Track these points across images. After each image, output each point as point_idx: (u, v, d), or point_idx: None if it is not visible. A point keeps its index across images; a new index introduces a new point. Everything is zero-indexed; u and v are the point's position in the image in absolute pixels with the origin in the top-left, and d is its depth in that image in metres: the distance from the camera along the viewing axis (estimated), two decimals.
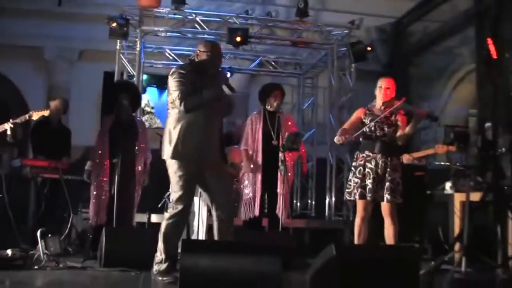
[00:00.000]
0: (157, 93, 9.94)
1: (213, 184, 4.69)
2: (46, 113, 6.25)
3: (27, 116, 6.06)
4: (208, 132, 4.63)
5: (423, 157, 6.99)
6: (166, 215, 4.60)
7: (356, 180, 5.32)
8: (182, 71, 4.63)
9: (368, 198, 5.24)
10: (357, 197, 5.29)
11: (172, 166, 4.59)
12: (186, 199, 4.59)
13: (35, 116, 6.13)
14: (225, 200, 4.76)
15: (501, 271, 4.83)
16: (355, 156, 5.46)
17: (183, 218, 4.67)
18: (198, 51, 4.81)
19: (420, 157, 6.91)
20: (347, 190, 5.43)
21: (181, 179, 4.54)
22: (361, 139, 5.47)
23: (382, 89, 5.41)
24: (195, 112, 4.56)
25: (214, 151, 4.68)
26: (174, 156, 4.55)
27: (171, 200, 4.69)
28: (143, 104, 9.16)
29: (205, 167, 4.63)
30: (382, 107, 5.34)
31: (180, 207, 4.54)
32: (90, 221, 6.27)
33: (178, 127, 4.58)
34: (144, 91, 9.48)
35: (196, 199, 6.19)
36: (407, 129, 5.27)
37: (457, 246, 5.09)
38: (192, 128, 4.57)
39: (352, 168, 5.46)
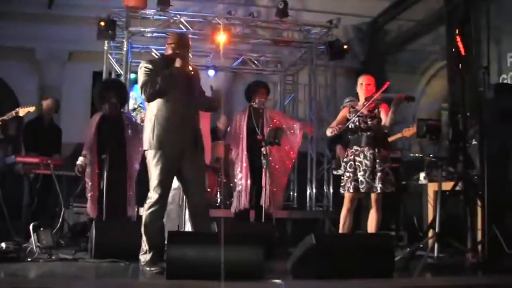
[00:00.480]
0: None
1: (188, 175, 4.68)
2: (31, 109, 6.30)
3: (13, 112, 6.12)
4: (182, 123, 4.63)
5: (393, 141, 7.00)
6: (145, 206, 4.59)
7: (348, 174, 5.45)
8: (147, 65, 4.67)
9: (362, 190, 5.37)
10: (351, 190, 5.40)
11: (149, 156, 4.61)
12: (162, 188, 4.53)
13: (21, 112, 6.20)
14: (199, 191, 4.74)
15: (470, 255, 5.02)
16: (346, 153, 5.60)
17: (160, 207, 4.59)
18: (166, 44, 4.89)
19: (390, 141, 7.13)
20: (341, 184, 5.54)
21: (156, 169, 4.54)
22: (349, 136, 5.64)
23: (363, 86, 5.56)
24: (168, 104, 4.60)
25: (189, 141, 4.65)
26: (149, 146, 4.59)
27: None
28: (131, 102, 9.26)
29: (180, 158, 4.62)
30: (365, 103, 5.46)
31: (156, 196, 4.52)
32: (88, 215, 6.33)
33: (153, 118, 4.62)
34: (131, 88, 9.66)
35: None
36: (389, 114, 5.36)
37: (430, 233, 5.25)
38: (166, 119, 4.59)
39: (343, 164, 5.58)
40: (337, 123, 5.63)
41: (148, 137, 4.62)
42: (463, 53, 5.30)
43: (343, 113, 5.68)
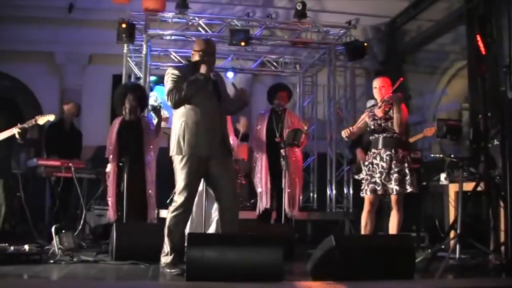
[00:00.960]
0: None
1: (217, 178, 4.73)
2: (51, 117, 6.34)
3: (33, 121, 6.19)
4: (209, 127, 4.67)
5: (415, 141, 7.07)
6: (170, 208, 4.67)
7: (367, 177, 5.49)
8: (174, 71, 4.74)
9: (379, 192, 5.39)
10: (368, 193, 5.43)
11: (176, 160, 4.69)
12: (188, 192, 4.59)
13: (41, 121, 6.26)
14: (228, 195, 4.74)
15: (493, 256, 4.95)
16: (367, 156, 5.62)
17: (185, 211, 4.65)
18: (193, 51, 4.92)
19: (411, 142, 7.08)
20: (361, 188, 5.57)
21: (183, 173, 4.61)
22: (370, 138, 5.65)
23: (377, 89, 5.57)
24: (196, 109, 4.66)
25: (216, 145, 4.68)
26: (176, 151, 4.66)
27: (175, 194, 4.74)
28: (152, 99, 9.35)
29: (208, 162, 4.67)
30: (381, 105, 5.49)
31: (181, 199, 4.59)
32: (109, 219, 6.41)
33: (180, 124, 4.68)
34: (151, 89, 9.72)
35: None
36: (394, 115, 5.37)
37: (452, 234, 5.17)
38: (193, 123, 4.65)
39: (364, 167, 5.67)
40: (356, 126, 5.67)
41: (176, 141, 4.68)
42: (484, 52, 5.24)
43: (363, 116, 5.69)
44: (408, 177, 5.35)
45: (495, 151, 5.64)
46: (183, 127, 4.67)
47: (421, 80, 9.96)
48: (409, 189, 5.34)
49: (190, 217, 6.39)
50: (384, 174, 5.36)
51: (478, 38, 5.33)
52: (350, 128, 5.51)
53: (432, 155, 7.56)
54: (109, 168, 6.46)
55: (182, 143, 4.64)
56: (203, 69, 4.70)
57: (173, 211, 4.64)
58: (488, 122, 5.25)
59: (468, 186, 5.47)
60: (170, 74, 4.73)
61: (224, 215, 4.75)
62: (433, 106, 9.30)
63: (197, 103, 4.69)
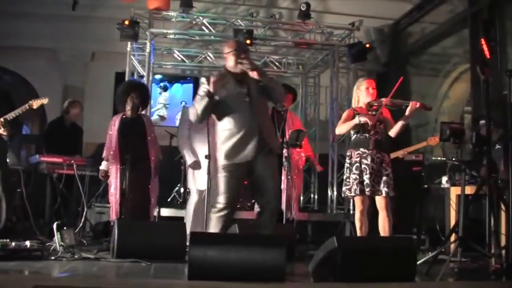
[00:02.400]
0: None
1: (260, 179, 4.77)
2: (45, 101, 6.18)
3: (26, 105, 6.01)
4: (243, 132, 4.71)
5: (416, 150, 7.12)
6: (213, 209, 4.77)
7: (354, 176, 5.43)
8: (204, 81, 4.82)
9: (367, 193, 5.38)
10: (357, 192, 5.40)
11: (218, 164, 4.80)
12: (226, 196, 4.69)
13: (35, 105, 6.07)
14: (270, 195, 4.77)
15: (494, 260, 4.93)
16: (349, 154, 5.58)
17: (228, 212, 4.72)
18: (225, 54, 4.94)
19: (413, 150, 7.08)
20: (346, 187, 5.52)
21: (221, 177, 4.74)
22: (352, 137, 5.65)
23: (370, 90, 5.59)
24: (227, 115, 4.75)
25: (253, 147, 4.70)
26: (220, 157, 4.78)
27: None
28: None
29: (249, 164, 4.73)
30: (373, 111, 5.49)
31: (223, 201, 4.69)
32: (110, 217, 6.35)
33: (218, 132, 4.84)
34: (166, 89, 9.87)
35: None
36: (402, 122, 5.39)
37: (453, 237, 5.19)
38: (227, 131, 4.75)
39: (348, 165, 5.55)
40: (343, 122, 5.64)
41: (219, 148, 4.80)
42: (488, 56, 5.27)
43: (349, 114, 5.64)
44: (392, 181, 5.41)
45: (497, 155, 5.68)
46: (219, 135, 4.81)
47: (424, 83, 9.97)
48: (393, 193, 5.39)
49: (189, 216, 6.48)
50: (373, 176, 5.37)
51: (483, 42, 5.33)
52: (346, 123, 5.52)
53: (433, 158, 7.56)
54: (104, 166, 6.40)
55: (220, 152, 4.76)
56: (235, 68, 4.78)
57: (216, 212, 4.73)
58: (490, 126, 5.21)
59: (470, 190, 5.49)
60: (201, 86, 4.84)
61: (262, 215, 4.79)
62: (435, 109, 9.27)
63: (227, 109, 4.77)
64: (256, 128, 4.74)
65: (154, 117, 9.53)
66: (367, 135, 5.50)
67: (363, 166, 5.42)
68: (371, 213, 5.61)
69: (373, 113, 5.50)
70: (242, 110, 4.75)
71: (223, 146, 4.76)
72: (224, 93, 4.77)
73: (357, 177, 5.42)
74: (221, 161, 4.76)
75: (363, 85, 5.64)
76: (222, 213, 4.70)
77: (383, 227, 5.41)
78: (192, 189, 6.68)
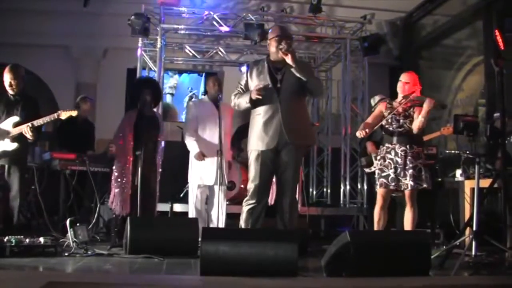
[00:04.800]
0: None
1: (281, 169, 4.89)
2: (74, 113, 6.21)
3: (55, 115, 6.08)
4: (267, 121, 4.83)
5: (430, 139, 7.04)
6: (244, 203, 4.91)
7: (378, 171, 5.53)
8: (245, 73, 5.01)
9: (391, 187, 5.41)
10: (382, 186, 5.46)
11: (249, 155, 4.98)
12: (257, 188, 4.84)
13: (63, 115, 6.12)
14: (287, 187, 4.89)
15: (509, 254, 4.94)
16: (380, 149, 5.64)
17: (257, 206, 4.86)
18: (269, 40, 5.02)
19: (427, 140, 7.00)
20: (376, 181, 5.60)
21: (251, 169, 4.90)
22: (383, 132, 5.66)
23: (401, 84, 5.60)
24: (257, 105, 4.88)
25: (276, 137, 4.81)
26: (250, 146, 4.95)
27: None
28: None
29: (275, 154, 4.85)
30: (402, 101, 5.51)
31: (251, 191, 4.86)
32: (114, 212, 6.30)
33: (250, 122, 4.99)
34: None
35: (216, 188, 6.43)
36: (419, 117, 5.36)
37: (467, 231, 5.18)
38: (255, 119, 4.92)
39: (376, 161, 5.69)
40: (372, 118, 5.67)
41: (249, 137, 4.97)
42: (502, 47, 5.19)
43: (380, 107, 5.69)
44: (423, 173, 5.38)
45: (511, 148, 5.74)
46: (251, 120, 4.97)
47: (437, 75, 9.91)
48: (424, 185, 5.37)
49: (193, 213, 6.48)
50: (398, 169, 5.39)
51: (497, 33, 5.29)
52: (366, 130, 5.46)
53: (447, 151, 7.51)
54: (112, 148, 6.45)
55: (250, 139, 4.94)
56: (276, 54, 4.85)
57: (245, 205, 4.89)
58: (505, 119, 5.15)
59: (484, 183, 5.43)
60: (242, 76, 5.08)
61: (280, 206, 4.91)
62: (449, 102, 9.22)
63: (260, 103, 4.85)
64: (279, 117, 4.82)
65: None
66: (391, 129, 5.53)
67: (387, 160, 5.47)
68: (390, 208, 5.64)
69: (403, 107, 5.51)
70: (271, 97, 4.83)
71: (251, 131, 4.92)
72: (258, 80, 4.90)
73: (380, 172, 5.49)
74: (249, 147, 4.95)
75: (400, 78, 5.68)
76: (252, 206, 4.85)
77: (406, 220, 5.44)
78: (193, 185, 6.68)
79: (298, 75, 4.79)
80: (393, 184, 5.40)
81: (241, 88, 5.07)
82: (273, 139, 4.81)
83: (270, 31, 5.08)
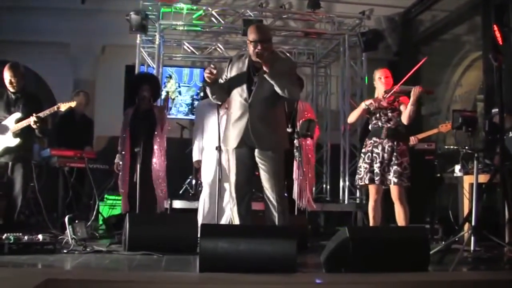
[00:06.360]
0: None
1: (260, 170, 4.79)
2: (73, 104, 6.24)
3: (55, 107, 6.10)
4: (238, 120, 4.75)
5: (428, 136, 7.05)
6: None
7: (365, 165, 5.53)
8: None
9: (376, 182, 5.44)
10: (367, 181, 5.49)
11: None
12: (233, 181, 4.82)
13: (63, 107, 6.15)
14: (272, 184, 4.75)
15: (508, 249, 4.93)
16: (364, 143, 5.67)
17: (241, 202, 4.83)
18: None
19: (424, 137, 6.99)
20: (358, 176, 5.63)
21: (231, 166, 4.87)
22: (370, 126, 5.69)
23: (382, 79, 5.66)
24: (231, 102, 4.86)
25: (246, 137, 4.72)
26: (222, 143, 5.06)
27: None
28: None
29: (250, 153, 4.78)
30: (385, 95, 5.53)
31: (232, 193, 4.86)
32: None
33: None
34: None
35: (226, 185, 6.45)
36: (408, 106, 5.40)
37: (466, 226, 5.18)
38: (230, 113, 4.86)
39: (362, 155, 5.67)
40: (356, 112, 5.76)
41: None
42: (500, 42, 5.19)
43: (362, 105, 5.74)
44: (407, 171, 5.43)
45: (510, 143, 5.65)
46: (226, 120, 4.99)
47: (436, 71, 9.83)
48: (407, 182, 5.41)
49: (203, 208, 6.47)
50: (383, 165, 5.43)
51: (495, 28, 5.27)
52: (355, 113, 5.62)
53: (446, 147, 7.51)
54: (118, 158, 6.44)
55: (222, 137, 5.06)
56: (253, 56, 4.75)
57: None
58: (503, 114, 5.16)
59: (483, 178, 5.45)
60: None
61: (267, 207, 4.81)
62: (447, 97, 9.21)
63: (234, 95, 4.83)
64: (245, 119, 4.73)
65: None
66: (379, 123, 5.55)
67: (374, 155, 5.50)
68: (386, 203, 5.63)
69: (385, 96, 5.54)
70: (243, 98, 4.75)
71: (226, 128, 4.92)
72: (236, 77, 4.83)
73: (368, 166, 5.50)
74: (224, 143, 4.98)
75: (376, 75, 5.74)
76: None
77: (398, 218, 5.45)
78: (204, 181, 6.68)
79: (271, 81, 4.66)
80: (377, 179, 5.42)
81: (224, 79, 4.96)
82: (236, 141, 4.74)
83: (248, 31, 4.92)
